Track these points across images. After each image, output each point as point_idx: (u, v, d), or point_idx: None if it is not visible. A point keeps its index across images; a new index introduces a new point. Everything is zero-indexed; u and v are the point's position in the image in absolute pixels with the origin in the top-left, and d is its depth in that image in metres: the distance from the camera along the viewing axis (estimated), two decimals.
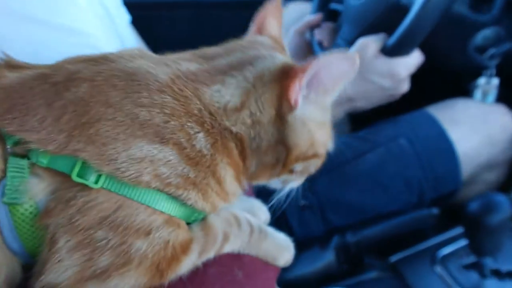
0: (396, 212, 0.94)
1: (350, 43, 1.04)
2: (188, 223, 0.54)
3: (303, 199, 0.93)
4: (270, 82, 0.52)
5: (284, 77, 0.51)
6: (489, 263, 0.76)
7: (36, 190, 0.46)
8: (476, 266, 0.78)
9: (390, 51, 0.94)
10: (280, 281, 0.64)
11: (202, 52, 0.55)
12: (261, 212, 0.66)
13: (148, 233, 0.48)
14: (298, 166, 0.56)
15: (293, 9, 1.35)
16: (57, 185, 0.47)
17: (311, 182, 0.95)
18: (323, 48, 1.17)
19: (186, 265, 0.52)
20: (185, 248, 0.51)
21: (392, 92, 0.96)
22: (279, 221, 0.74)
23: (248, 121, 0.52)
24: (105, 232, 0.46)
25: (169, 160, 0.48)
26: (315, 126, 0.54)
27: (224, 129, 0.51)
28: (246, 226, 0.59)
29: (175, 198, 0.49)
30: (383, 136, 0.97)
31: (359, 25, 1.08)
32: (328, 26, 1.18)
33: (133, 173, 0.46)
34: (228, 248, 0.57)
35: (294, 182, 0.61)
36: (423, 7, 0.87)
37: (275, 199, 0.63)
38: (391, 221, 0.93)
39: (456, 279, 0.80)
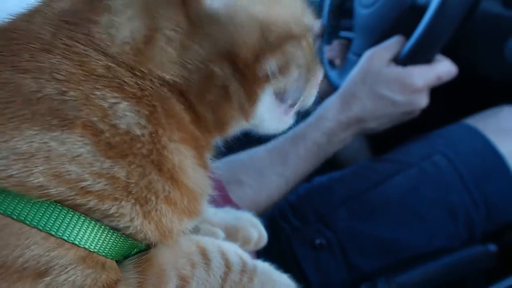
0: (441, 251, 0.74)
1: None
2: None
3: (318, 237, 0.73)
4: None
5: None
6: None
7: None
8: None
9: (405, 59, 0.79)
10: None
11: None
12: (252, 229, 0.48)
13: (41, 275, 0.30)
14: (272, 64, 0.37)
15: None
16: None
17: (326, 214, 0.77)
18: (334, 66, 1.03)
19: None
20: None
21: (406, 108, 0.78)
22: (287, 264, 0.55)
23: (172, 52, 0.35)
24: None
25: (79, 155, 0.31)
26: (256, 2, 0.36)
27: (161, 84, 0.35)
28: (219, 264, 0.39)
29: (97, 218, 0.33)
30: (413, 155, 0.79)
31: (372, 36, 0.95)
32: (339, 42, 1.06)
33: (15, 173, 0.30)
34: None
35: (301, 91, 0.41)
36: (442, 5, 0.74)
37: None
38: (434, 262, 0.73)
39: None
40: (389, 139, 0.92)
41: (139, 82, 0.34)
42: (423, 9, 0.80)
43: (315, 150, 0.79)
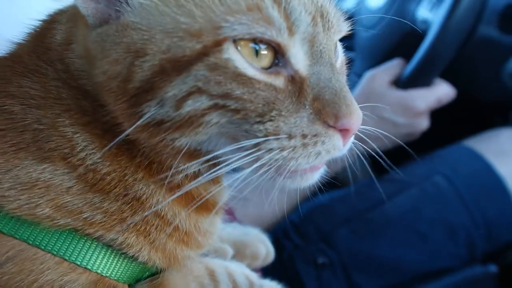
0: (442, 271, 0.74)
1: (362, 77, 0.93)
2: None
3: (320, 256, 0.74)
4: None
5: None
6: None
7: None
8: None
9: (406, 82, 0.81)
10: None
11: None
12: (261, 245, 0.49)
13: None
14: (170, 92, 0.30)
15: None
16: None
17: (328, 233, 0.77)
18: None
19: None
20: None
21: (408, 129, 0.80)
22: (290, 283, 0.55)
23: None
24: None
25: (71, 186, 0.32)
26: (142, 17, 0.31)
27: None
28: (226, 286, 0.40)
29: (107, 245, 0.33)
30: (414, 175, 0.80)
31: (373, 57, 0.97)
32: None
33: (24, 203, 0.31)
34: None
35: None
36: (442, 30, 0.76)
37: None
38: (435, 283, 0.74)
39: None
40: (390, 159, 0.93)
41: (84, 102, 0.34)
42: (422, 34, 0.82)
43: None
